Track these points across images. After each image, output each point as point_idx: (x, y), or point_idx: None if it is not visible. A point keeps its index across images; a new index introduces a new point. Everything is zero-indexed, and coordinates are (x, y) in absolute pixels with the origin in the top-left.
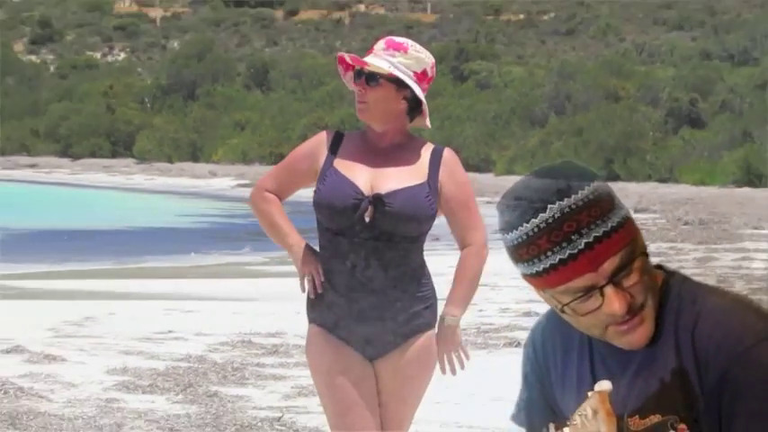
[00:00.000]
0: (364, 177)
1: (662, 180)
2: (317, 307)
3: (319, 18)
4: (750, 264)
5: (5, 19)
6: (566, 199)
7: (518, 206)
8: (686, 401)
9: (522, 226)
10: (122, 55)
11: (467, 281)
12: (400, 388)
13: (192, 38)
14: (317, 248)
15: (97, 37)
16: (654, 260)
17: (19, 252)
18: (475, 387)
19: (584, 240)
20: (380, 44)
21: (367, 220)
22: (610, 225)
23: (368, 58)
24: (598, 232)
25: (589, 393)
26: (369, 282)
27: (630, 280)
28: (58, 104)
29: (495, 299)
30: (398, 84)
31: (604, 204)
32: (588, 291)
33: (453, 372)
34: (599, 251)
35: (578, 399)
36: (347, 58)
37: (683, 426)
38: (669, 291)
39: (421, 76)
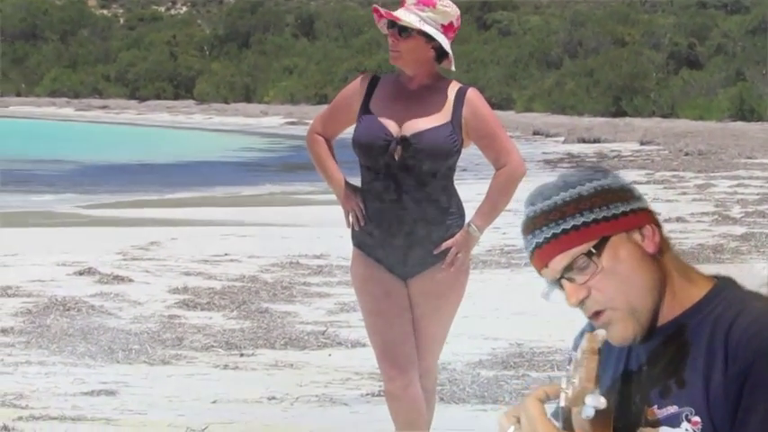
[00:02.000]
0: (394, 119)
1: (664, 116)
2: (358, 233)
3: None
4: (745, 189)
5: None
6: (536, 204)
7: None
8: (705, 394)
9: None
10: (184, 9)
11: (495, 197)
12: (431, 306)
13: None
14: (359, 181)
15: None
16: (657, 188)
17: (92, 184)
18: (499, 302)
19: (535, 240)
20: None
21: (396, 158)
22: (561, 228)
23: (399, 13)
24: (547, 234)
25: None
26: (401, 211)
27: (584, 277)
28: (127, 52)
29: (516, 223)
30: (427, 36)
31: (567, 209)
32: (555, 282)
33: (450, 267)
34: (546, 250)
35: (612, 386)
36: (381, 11)
37: (696, 418)
38: (716, 296)
39: (448, 28)
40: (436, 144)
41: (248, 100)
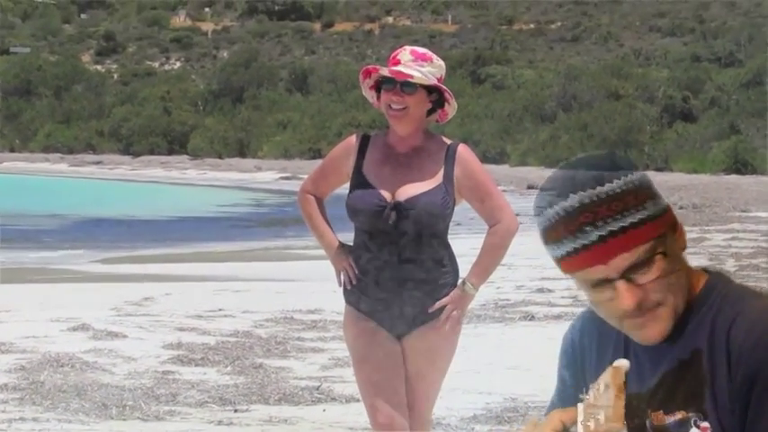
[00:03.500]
0: (387, 184)
1: (659, 169)
2: (351, 292)
3: (352, 29)
4: (739, 243)
5: (74, 34)
6: (588, 190)
7: (546, 193)
8: (713, 399)
9: (545, 211)
10: (178, 64)
11: (489, 254)
12: (425, 363)
13: (239, 48)
14: (351, 238)
15: (155, 48)
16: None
17: (86, 240)
18: (493, 357)
19: (598, 233)
20: (407, 55)
21: (390, 223)
22: (629, 221)
23: (406, 70)
24: (614, 227)
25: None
26: (396, 271)
27: (646, 277)
28: (121, 108)
29: (511, 277)
30: (428, 90)
31: (629, 199)
32: (601, 282)
33: (445, 325)
34: (612, 245)
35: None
36: (384, 71)
37: (705, 424)
38: (711, 292)
39: (440, 80)
40: (430, 208)
41: (242, 155)
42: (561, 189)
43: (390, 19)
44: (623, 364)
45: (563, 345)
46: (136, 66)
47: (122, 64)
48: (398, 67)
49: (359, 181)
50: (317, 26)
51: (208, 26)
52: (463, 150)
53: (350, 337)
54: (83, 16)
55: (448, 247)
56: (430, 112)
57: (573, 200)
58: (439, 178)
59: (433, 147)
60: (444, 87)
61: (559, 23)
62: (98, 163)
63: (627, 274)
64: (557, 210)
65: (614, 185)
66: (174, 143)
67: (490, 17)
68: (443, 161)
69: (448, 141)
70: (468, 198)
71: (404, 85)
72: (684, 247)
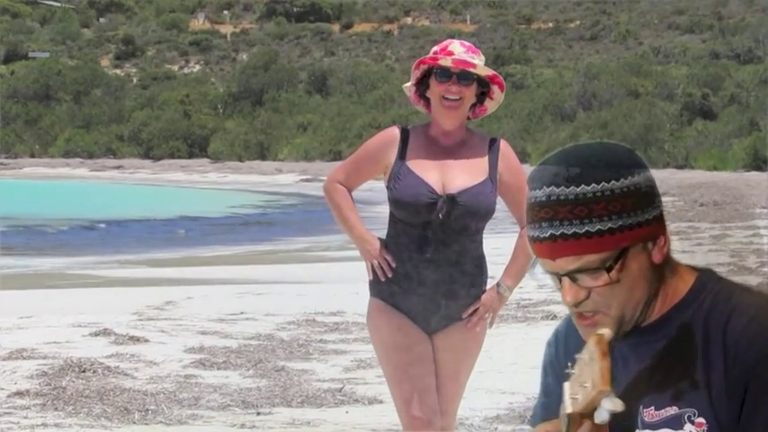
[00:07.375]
0: (435, 176)
1: (679, 167)
2: (382, 285)
3: (371, 30)
4: (760, 239)
5: (93, 38)
6: (561, 187)
7: (536, 172)
8: (708, 395)
9: (530, 193)
10: (197, 67)
11: (522, 256)
12: (455, 361)
13: (258, 51)
14: (379, 230)
15: (175, 52)
16: (673, 239)
17: (106, 244)
18: (516, 357)
19: (550, 231)
20: (459, 47)
21: (441, 215)
22: (585, 230)
23: (470, 59)
24: (568, 231)
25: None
26: (435, 267)
27: (589, 284)
28: (141, 112)
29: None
30: (479, 83)
31: (596, 208)
32: (552, 273)
33: (475, 327)
34: (560, 247)
35: None
36: (448, 61)
37: (701, 420)
38: (701, 289)
39: None
40: (480, 202)
41: (263, 158)
42: (541, 177)
43: (409, 20)
44: (605, 331)
45: (546, 353)
46: (155, 69)
47: (141, 68)
48: (454, 59)
49: (404, 173)
50: (336, 27)
51: (227, 29)
52: (505, 147)
53: (380, 331)
54: (101, 20)
55: (482, 245)
56: (471, 108)
57: (543, 192)
58: (485, 172)
59: (476, 141)
60: (501, 79)
61: (578, 22)
62: (119, 167)
63: (571, 275)
64: (531, 195)
65: (588, 189)
66: (195, 147)
67: (509, 17)
68: (488, 155)
69: (488, 136)
70: (504, 195)
71: (461, 77)
72: (666, 259)
